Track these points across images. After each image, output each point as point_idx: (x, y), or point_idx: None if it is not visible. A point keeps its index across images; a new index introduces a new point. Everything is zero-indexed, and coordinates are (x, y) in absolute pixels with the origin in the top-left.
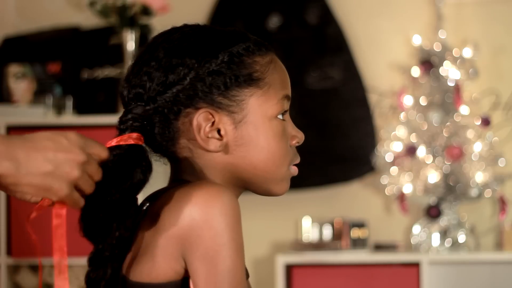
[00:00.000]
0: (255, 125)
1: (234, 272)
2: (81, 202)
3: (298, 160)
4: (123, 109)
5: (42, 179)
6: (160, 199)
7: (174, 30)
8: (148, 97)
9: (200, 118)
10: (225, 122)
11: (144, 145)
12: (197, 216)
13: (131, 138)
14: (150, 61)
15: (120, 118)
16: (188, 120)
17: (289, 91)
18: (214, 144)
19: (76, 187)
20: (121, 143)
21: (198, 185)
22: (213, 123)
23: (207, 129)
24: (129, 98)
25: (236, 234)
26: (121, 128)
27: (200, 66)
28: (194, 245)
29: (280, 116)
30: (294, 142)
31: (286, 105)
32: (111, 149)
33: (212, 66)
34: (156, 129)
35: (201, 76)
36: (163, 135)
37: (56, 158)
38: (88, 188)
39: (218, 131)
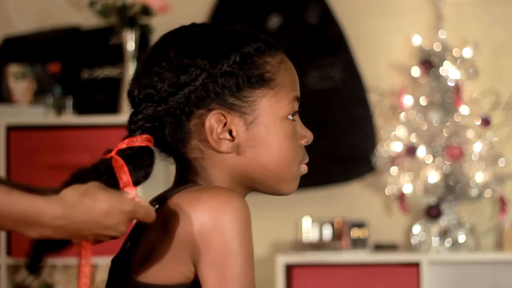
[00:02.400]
0: (266, 126)
1: (243, 279)
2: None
3: (307, 160)
4: (132, 109)
5: (76, 234)
6: (170, 202)
7: (183, 30)
8: (159, 98)
9: (213, 120)
10: (236, 123)
11: (153, 148)
12: (207, 222)
13: (142, 140)
14: (160, 61)
15: (131, 118)
16: (200, 121)
17: (298, 92)
18: (226, 145)
19: None
20: (131, 144)
21: (209, 190)
22: (224, 124)
23: (219, 130)
24: (140, 99)
25: (245, 241)
26: (132, 129)
27: (212, 67)
28: (204, 251)
29: (290, 117)
30: (303, 142)
31: (296, 106)
32: (122, 150)
33: (224, 67)
34: (166, 130)
35: (214, 77)
36: (174, 136)
37: (99, 233)
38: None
39: (230, 132)
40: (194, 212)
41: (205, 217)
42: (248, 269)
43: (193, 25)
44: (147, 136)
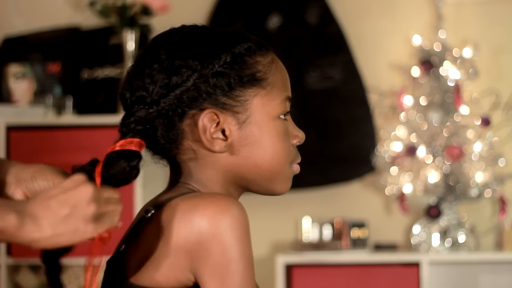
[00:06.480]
0: (259, 125)
1: (244, 286)
2: (114, 223)
3: (299, 159)
4: (124, 112)
5: (64, 225)
6: (167, 208)
7: (173, 32)
8: (151, 100)
9: (206, 119)
10: (229, 123)
11: (141, 152)
12: (206, 230)
13: (132, 144)
14: (152, 63)
15: (122, 121)
16: (192, 121)
17: (290, 92)
18: (219, 145)
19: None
20: (123, 147)
21: (207, 196)
22: (217, 123)
23: (212, 129)
24: (132, 101)
25: (245, 248)
26: (124, 132)
27: (204, 67)
28: (203, 259)
29: (282, 116)
30: (295, 141)
31: (288, 106)
32: (112, 153)
33: (216, 67)
34: (159, 131)
35: (205, 77)
36: (166, 137)
37: (68, 198)
38: (116, 213)
39: (223, 131)
40: (192, 220)
41: (203, 225)
42: (249, 276)
43: (184, 26)
44: (138, 140)
